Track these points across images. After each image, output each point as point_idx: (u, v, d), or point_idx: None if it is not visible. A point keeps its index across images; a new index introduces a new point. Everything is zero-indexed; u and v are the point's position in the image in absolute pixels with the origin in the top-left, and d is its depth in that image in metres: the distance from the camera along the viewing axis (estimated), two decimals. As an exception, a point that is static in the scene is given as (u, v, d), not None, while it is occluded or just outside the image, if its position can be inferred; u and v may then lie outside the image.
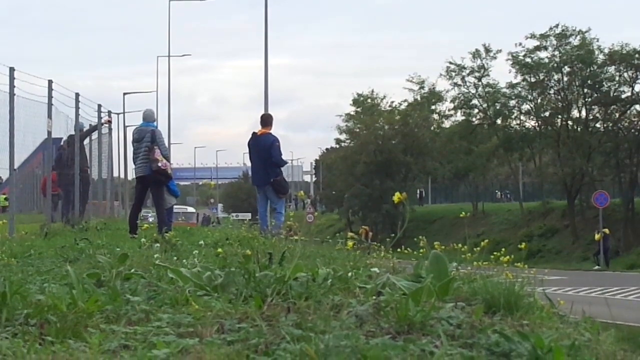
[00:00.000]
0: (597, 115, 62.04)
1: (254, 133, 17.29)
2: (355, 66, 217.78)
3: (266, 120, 17.56)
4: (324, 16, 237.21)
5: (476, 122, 67.56)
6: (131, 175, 48.23)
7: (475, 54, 65.58)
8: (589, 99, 61.22)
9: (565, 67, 61.11)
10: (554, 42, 61.02)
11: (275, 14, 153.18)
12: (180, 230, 17.77)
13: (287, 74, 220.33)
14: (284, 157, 17.38)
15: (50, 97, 20.39)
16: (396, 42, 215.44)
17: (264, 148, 16.81)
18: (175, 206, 23.04)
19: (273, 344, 3.77)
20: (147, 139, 15.55)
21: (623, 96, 60.26)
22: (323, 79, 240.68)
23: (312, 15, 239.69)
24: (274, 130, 17.37)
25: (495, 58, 65.43)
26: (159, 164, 15.40)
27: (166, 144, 16.08)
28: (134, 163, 16.35)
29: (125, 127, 53.73)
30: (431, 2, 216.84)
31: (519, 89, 64.15)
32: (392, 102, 78.45)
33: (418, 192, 77.46)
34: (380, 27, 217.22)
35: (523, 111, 65.62)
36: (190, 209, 72.13)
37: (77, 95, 23.52)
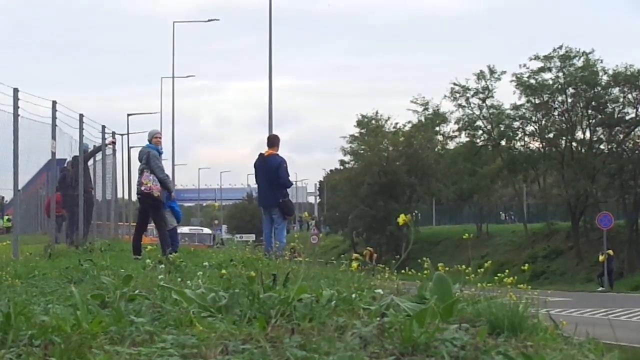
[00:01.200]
0: (602, 136, 62.06)
1: (260, 154, 17.24)
2: (359, 87, 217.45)
3: (273, 141, 17.53)
4: (327, 37, 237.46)
5: (480, 143, 67.56)
6: (135, 196, 48.12)
7: (480, 76, 65.62)
8: (593, 121, 61.22)
9: (570, 88, 61.13)
10: (558, 63, 61.07)
11: (279, 35, 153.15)
12: (185, 251, 17.77)
13: (291, 95, 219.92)
14: (290, 178, 17.37)
15: (54, 118, 20.44)
16: (400, 64, 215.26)
17: (271, 169, 16.77)
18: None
19: (277, 366, 3.77)
20: (143, 161, 15.73)
21: (627, 117, 60.25)
22: (327, 100, 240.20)
23: (315, 37, 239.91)
24: (279, 152, 17.38)
25: (499, 79, 65.51)
26: (142, 187, 15.58)
27: (162, 166, 16.05)
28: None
29: (129, 148, 53.60)
30: (435, 23, 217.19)
31: (523, 110, 64.15)
32: (396, 123, 78.30)
33: (413, 214, 77.03)
34: (384, 49, 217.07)
35: (527, 132, 65.63)
36: (207, 230, 71.91)
37: (81, 116, 23.58)
